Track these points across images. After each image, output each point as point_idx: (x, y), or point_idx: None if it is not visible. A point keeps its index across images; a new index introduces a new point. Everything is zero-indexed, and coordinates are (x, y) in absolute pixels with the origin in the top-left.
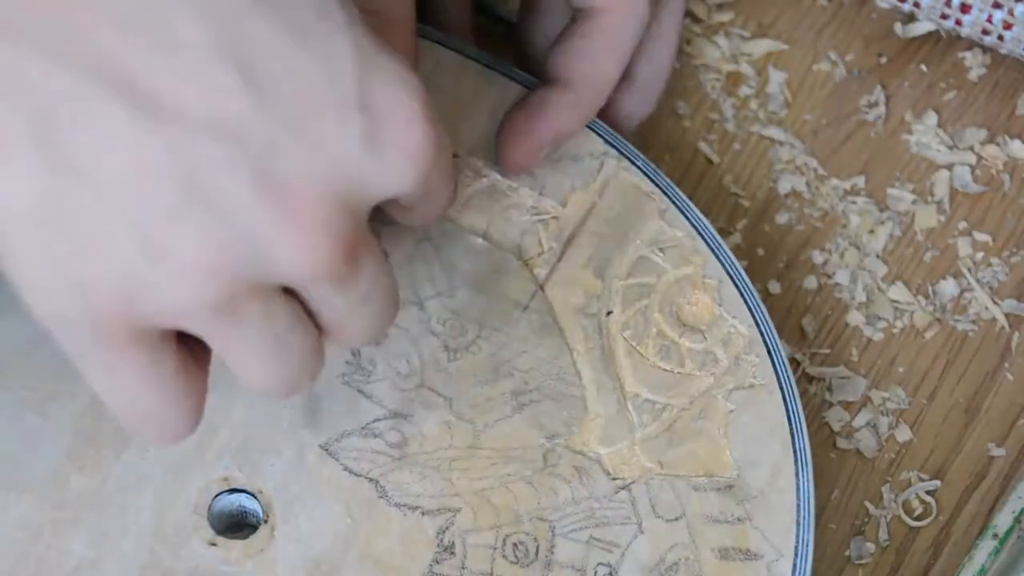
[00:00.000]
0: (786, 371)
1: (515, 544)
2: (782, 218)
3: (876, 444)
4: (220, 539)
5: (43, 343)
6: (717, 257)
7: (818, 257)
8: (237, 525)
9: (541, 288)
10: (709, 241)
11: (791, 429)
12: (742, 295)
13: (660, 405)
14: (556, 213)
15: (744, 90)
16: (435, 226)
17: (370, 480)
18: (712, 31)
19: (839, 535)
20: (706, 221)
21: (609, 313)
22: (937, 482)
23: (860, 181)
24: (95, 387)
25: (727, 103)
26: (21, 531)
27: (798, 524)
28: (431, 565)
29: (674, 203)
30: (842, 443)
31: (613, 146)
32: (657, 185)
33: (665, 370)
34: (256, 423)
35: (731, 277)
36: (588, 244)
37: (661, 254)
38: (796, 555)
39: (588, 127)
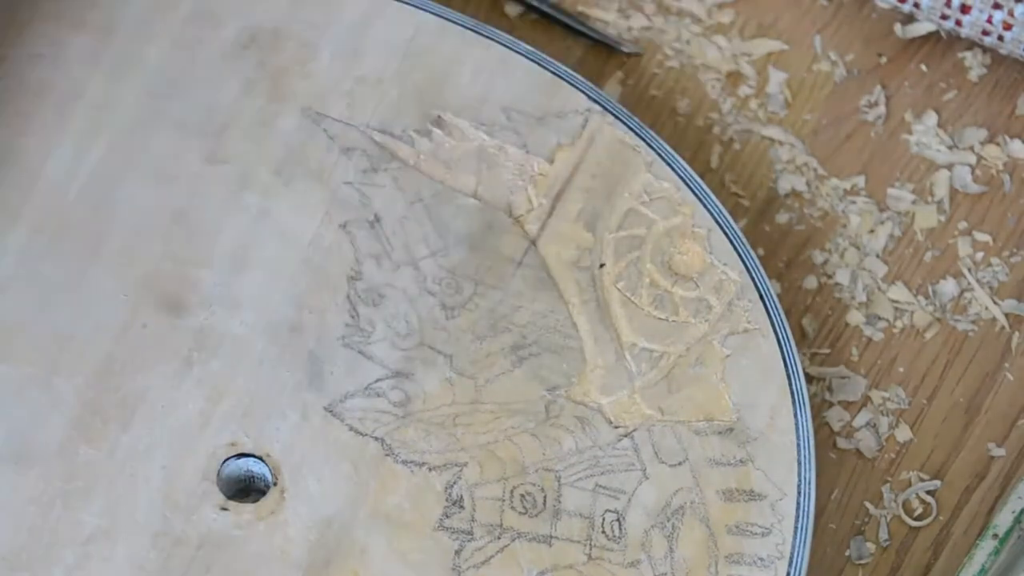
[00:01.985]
0: (779, 314)
1: (523, 495)
2: (782, 218)
3: (876, 444)
4: (231, 504)
5: (44, 317)
6: (705, 206)
7: (818, 257)
8: (245, 490)
9: (533, 244)
10: (696, 191)
11: (787, 370)
12: (731, 242)
13: (657, 353)
14: (543, 170)
15: (744, 90)
16: (426, 188)
17: (376, 439)
18: (712, 31)
19: (839, 535)
20: (692, 171)
21: (602, 266)
22: (937, 482)
23: (860, 181)
24: None
25: (727, 103)
26: (33, 505)
27: (799, 463)
28: (441, 519)
29: (660, 155)
30: (842, 443)
31: (596, 102)
32: (642, 138)
33: (660, 319)
34: (259, 389)
35: (720, 225)
36: (577, 199)
37: (650, 206)
38: (799, 494)
39: (571, 84)
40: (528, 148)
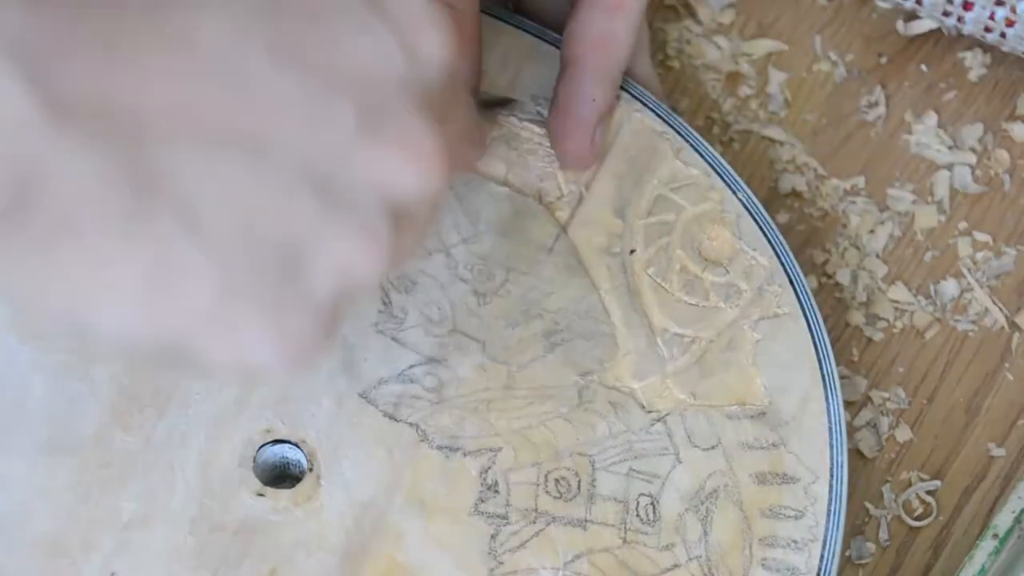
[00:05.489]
0: (809, 299)
1: (557, 480)
2: (782, 218)
3: (876, 444)
4: (268, 489)
5: None
6: (733, 192)
7: (818, 257)
8: (281, 476)
9: (564, 230)
10: (725, 177)
11: (818, 355)
12: (760, 227)
13: (689, 338)
14: None
15: (744, 90)
16: (455, 175)
17: (410, 425)
18: (712, 31)
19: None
20: (720, 158)
21: (632, 252)
22: (937, 482)
23: (860, 181)
24: None
25: (727, 103)
26: (70, 492)
27: (831, 447)
28: (476, 504)
29: (688, 142)
30: None
31: (625, 89)
32: (670, 125)
33: (691, 304)
34: (294, 375)
35: (748, 211)
36: (607, 185)
37: (679, 192)
38: (832, 476)
39: None
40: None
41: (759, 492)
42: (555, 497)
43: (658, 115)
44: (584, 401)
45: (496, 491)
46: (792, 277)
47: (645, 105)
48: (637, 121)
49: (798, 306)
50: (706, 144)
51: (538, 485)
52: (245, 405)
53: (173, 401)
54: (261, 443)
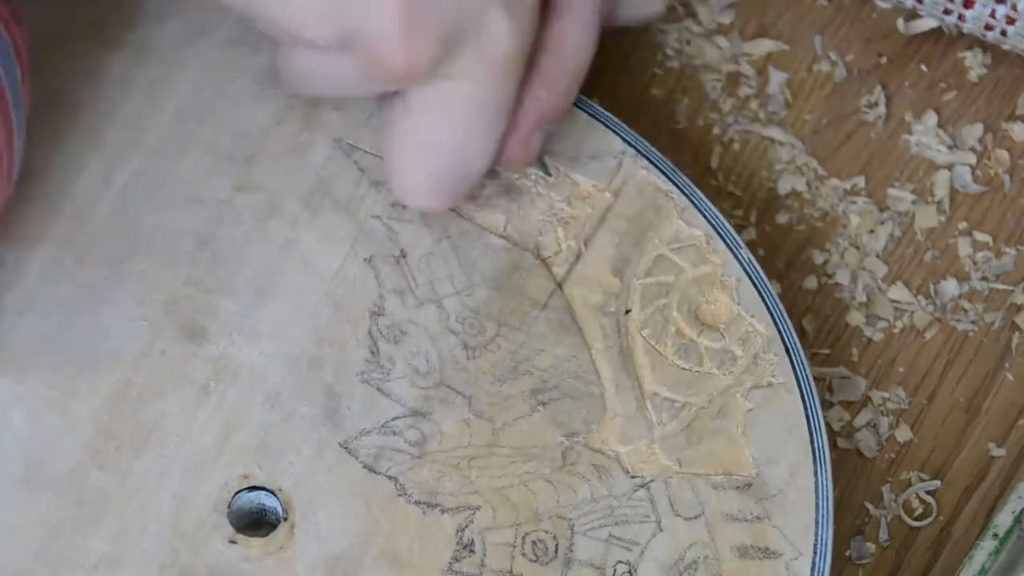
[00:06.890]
0: (804, 369)
1: (534, 542)
2: (782, 218)
3: (876, 444)
4: (240, 537)
5: (64, 339)
6: (735, 256)
7: (818, 257)
8: (256, 523)
9: (559, 286)
10: (727, 240)
11: (810, 427)
12: (760, 294)
13: (679, 404)
14: (574, 212)
15: (744, 90)
16: (453, 224)
17: (389, 478)
18: (712, 31)
19: (839, 535)
20: (724, 220)
21: (628, 312)
22: (937, 482)
23: (860, 181)
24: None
25: (727, 103)
26: (41, 528)
27: (817, 523)
28: (450, 563)
29: (692, 202)
30: (842, 443)
31: (631, 145)
32: (675, 184)
33: (684, 369)
34: (275, 421)
35: (749, 276)
36: (607, 243)
37: (679, 253)
38: (815, 553)
39: (606, 126)
40: (560, 189)
41: (739, 566)
42: (531, 560)
43: (663, 172)
44: (568, 463)
45: (472, 551)
46: (789, 346)
47: (651, 162)
48: (642, 178)
49: (793, 376)
50: (710, 204)
51: (515, 547)
52: (223, 449)
53: (151, 441)
54: (237, 489)
